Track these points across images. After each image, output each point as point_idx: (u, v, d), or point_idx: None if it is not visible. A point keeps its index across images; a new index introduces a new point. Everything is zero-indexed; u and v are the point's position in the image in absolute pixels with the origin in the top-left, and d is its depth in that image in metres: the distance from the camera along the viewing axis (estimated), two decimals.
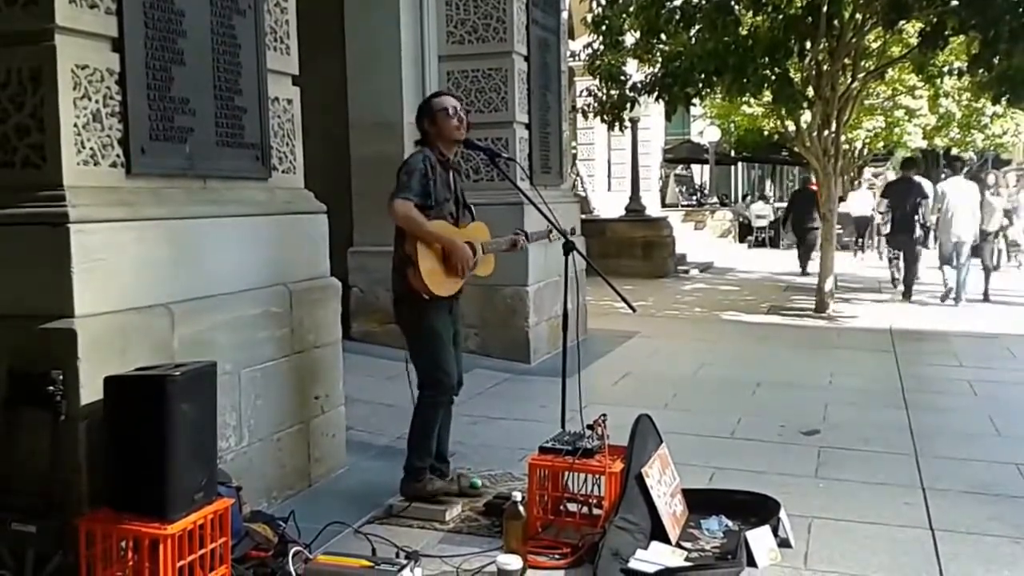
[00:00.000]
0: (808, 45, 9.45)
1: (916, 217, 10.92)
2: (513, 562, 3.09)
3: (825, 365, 7.07)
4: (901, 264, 11.38)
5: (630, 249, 14.26)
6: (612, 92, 11.24)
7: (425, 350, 3.81)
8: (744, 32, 9.46)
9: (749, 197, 31.54)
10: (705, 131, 25.31)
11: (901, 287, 11.34)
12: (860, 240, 18.80)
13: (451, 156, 3.89)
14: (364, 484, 4.15)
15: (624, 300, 3.82)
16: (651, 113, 19.23)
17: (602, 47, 10.91)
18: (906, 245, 11.09)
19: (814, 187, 13.36)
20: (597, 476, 3.53)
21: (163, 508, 2.72)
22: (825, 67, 9.58)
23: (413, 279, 3.67)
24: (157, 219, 3.24)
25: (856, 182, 21.99)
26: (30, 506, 2.82)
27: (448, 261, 3.74)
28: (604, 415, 3.63)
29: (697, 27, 9.58)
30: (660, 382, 6.49)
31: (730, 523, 3.60)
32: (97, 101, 3.04)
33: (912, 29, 11.33)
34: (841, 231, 14.84)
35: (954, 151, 21.37)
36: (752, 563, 3.25)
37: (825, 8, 8.98)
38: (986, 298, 10.82)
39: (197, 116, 3.47)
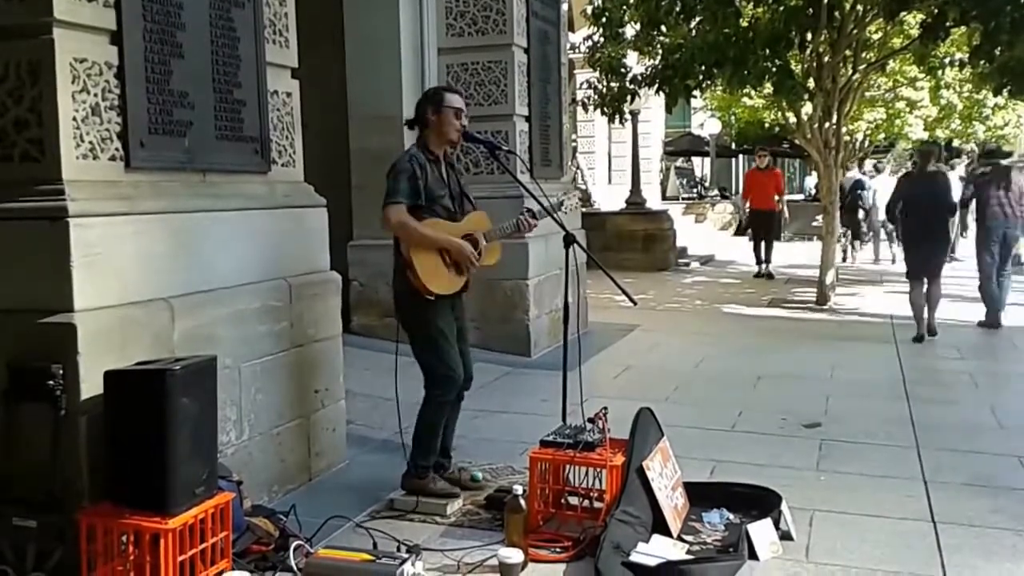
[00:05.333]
0: (809, 37, 9.42)
1: (859, 203, 15.08)
2: (514, 555, 3.10)
3: (826, 358, 7.06)
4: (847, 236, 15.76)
5: (631, 242, 14.22)
6: (612, 84, 11.22)
7: (429, 349, 3.79)
8: (744, 24, 9.42)
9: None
10: (706, 123, 25.27)
11: (852, 255, 15.86)
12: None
13: (439, 154, 3.86)
14: (365, 478, 4.16)
15: (625, 293, 3.82)
16: (651, 106, 19.20)
17: (602, 39, 10.87)
18: (851, 223, 15.36)
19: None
20: (598, 469, 3.53)
21: (164, 502, 2.72)
22: (826, 59, 9.55)
23: (414, 281, 3.67)
24: (156, 213, 3.23)
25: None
26: (31, 501, 2.82)
27: (449, 259, 3.74)
28: (605, 408, 3.63)
29: (697, 19, 9.55)
30: (661, 375, 6.49)
31: (731, 516, 3.61)
32: (96, 95, 3.03)
33: (913, 20, 11.28)
34: None
35: (955, 143, 21.31)
36: (754, 556, 3.25)
37: (826, 0, 8.95)
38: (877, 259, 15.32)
39: (196, 109, 3.46)
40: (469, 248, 3.76)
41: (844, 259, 14.63)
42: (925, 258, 7.85)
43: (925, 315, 7.86)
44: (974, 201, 8.97)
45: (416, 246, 3.67)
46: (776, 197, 13.08)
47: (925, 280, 7.88)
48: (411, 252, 3.66)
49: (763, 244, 13.04)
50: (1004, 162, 9.83)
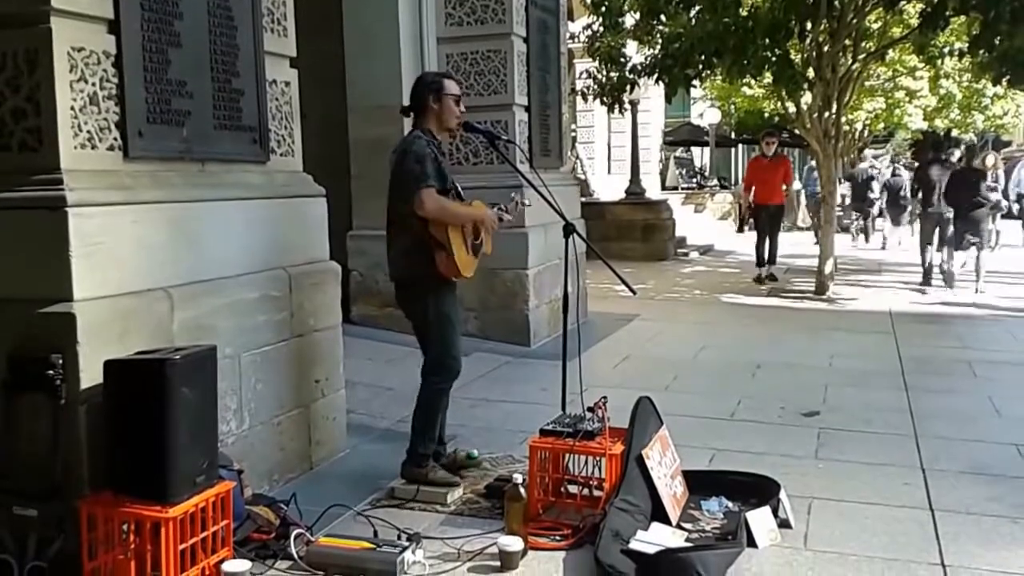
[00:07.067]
0: (809, 26, 9.41)
1: (868, 192, 16.60)
2: (514, 543, 3.11)
3: (825, 347, 7.07)
4: (860, 221, 17.84)
5: (630, 232, 14.23)
6: (612, 74, 11.21)
7: (439, 336, 3.80)
8: (744, 13, 9.41)
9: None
10: (705, 113, 25.21)
11: (861, 236, 17.58)
12: None
13: (439, 141, 3.86)
14: (365, 467, 4.16)
15: (624, 283, 3.82)
16: (651, 95, 19.16)
17: (602, 28, 10.87)
18: (861, 209, 17.24)
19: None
20: (598, 458, 3.54)
21: (164, 491, 2.72)
22: (826, 48, 9.53)
23: (444, 264, 3.66)
24: (155, 203, 3.23)
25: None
26: (31, 490, 2.82)
27: (468, 242, 3.77)
28: (604, 397, 3.64)
29: (697, 8, 9.53)
30: (660, 364, 6.49)
31: (730, 504, 3.61)
32: (94, 84, 3.02)
33: (913, 10, 11.28)
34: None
35: (955, 132, 21.31)
36: (752, 544, 3.26)
37: None
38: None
39: (194, 99, 3.45)
40: (493, 214, 3.83)
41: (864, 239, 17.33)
42: (957, 229, 10.19)
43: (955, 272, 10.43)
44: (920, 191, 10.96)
45: (453, 227, 3.66)
46: (784, 187, 11.56)
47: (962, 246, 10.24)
48: (448, 234, 3.64)
49: (767, 241, 11.48)
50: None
